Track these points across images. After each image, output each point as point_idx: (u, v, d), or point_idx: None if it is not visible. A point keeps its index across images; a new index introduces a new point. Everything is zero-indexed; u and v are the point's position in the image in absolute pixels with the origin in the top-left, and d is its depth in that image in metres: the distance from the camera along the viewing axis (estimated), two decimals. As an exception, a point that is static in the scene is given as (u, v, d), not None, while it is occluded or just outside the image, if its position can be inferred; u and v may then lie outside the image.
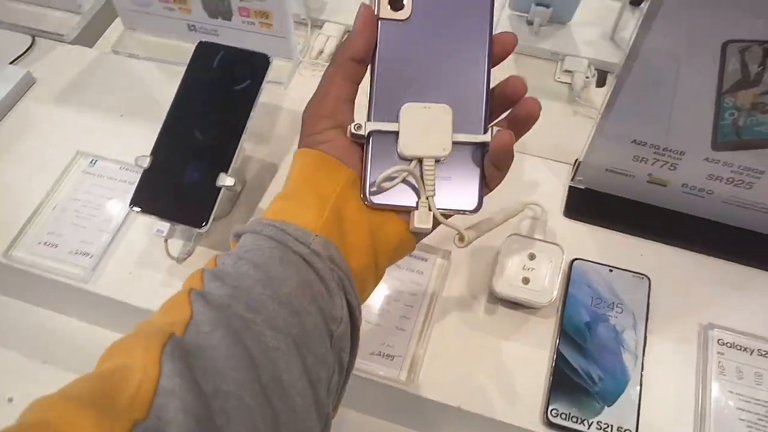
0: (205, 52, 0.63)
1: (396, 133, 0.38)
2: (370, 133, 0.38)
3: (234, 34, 0.75)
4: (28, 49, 0.79)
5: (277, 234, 0.36)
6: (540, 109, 0.38)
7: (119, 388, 0.28)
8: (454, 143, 0.38)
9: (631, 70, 0.53)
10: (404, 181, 0.38)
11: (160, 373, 0.28)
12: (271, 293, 0.34)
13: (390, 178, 0.37)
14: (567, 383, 0.54)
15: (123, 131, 0.71)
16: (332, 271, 0.36)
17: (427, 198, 0.38)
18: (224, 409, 0.29)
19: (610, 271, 0.60)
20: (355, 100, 0.39)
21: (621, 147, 0.60)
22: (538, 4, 0.76)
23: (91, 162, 0.68)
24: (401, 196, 0.38)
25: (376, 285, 0.40)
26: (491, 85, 0.38)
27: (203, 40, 0.64)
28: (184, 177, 0.59)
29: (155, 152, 0.60)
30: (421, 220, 0.38)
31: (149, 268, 0.61)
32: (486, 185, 0.39)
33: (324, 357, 0.35)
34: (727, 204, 0.61)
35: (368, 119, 0.38)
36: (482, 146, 0.38)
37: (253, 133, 0.69)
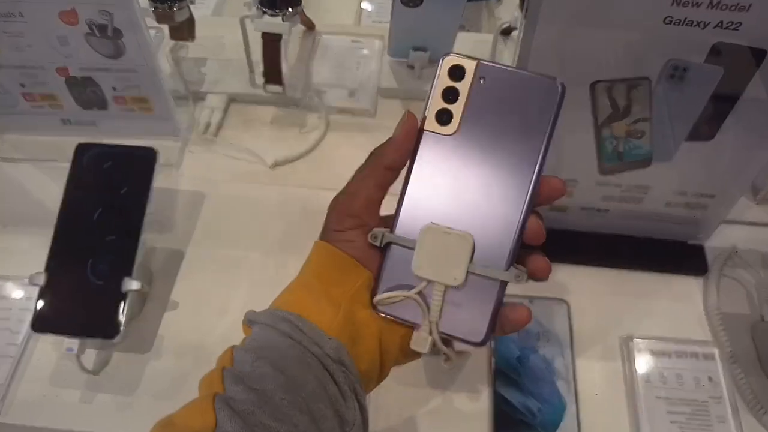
0: (85, 153, 0.60)
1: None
2: (387, 244, 0.38)
3: (114, 124, 0.73)
4: None
5: (293, 332, 0.37)
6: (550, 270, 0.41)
7: None
8: (471, 274, 0.37)
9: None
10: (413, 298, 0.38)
11: None
12: (291, 399, 0.35)
13: (395, 295, 0.37)
14: (509, 422, 0.56)
15: (9, 244, 0.66)
16: (344, 374, 0.37)
17: (429, 322, 0.37)
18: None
19: (530, 301, 0.62)
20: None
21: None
22: (415, 49, 0.79)
23: (-22, 283, 0.63)
24: (407, 311, 0.38)
25: (378, 384, 0.41)
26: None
27: (80, 137, 0.62)
28: (85, 288, 0.55)
29: (49, 267, 0.56)
30: (417, 343, 0.38)
31: (64, 386, 0.57)
32: (501, 327, 0.39)
33: None
34: (624, 219, 0.65)
35: (391, 230, 0.38)
36: (503, 282, 0.37)
37: (153, 222, 0.67)
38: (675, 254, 0.66)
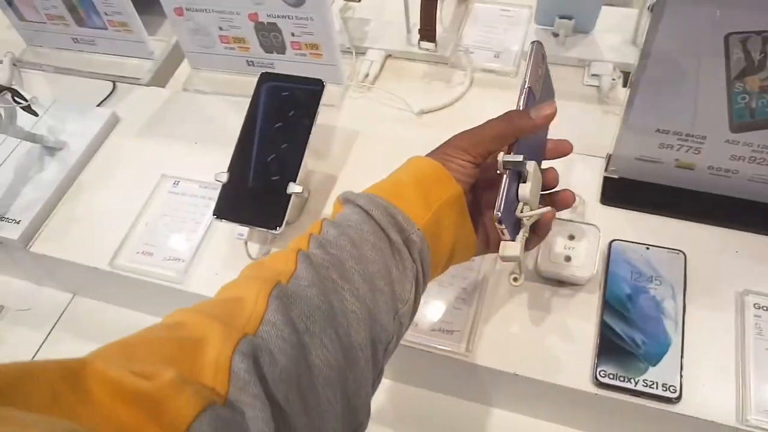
0: (267, 80, 0.72)
1: (520, 177, 0.48)
2: (507, 171, 0.47)
3: (288, 66, 0.85)
4: (110, 93, 0.90)
5: (382, 219, 0.45)
6: (574, 199, 0.52)
7: (236, 313, 0.37)
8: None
9: (645, 67, 0.59)
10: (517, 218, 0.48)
11: (266, 308, 0.37)
12: (359, 269, 0.42)
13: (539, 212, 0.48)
14: (613, 348, 0.60)
15: (198, 156, 0.80)
16: (414, 263, 0.45)
17: (523, 236, 0.48)
18: (310, 344, 0.38)
19: (647, 249, 0.66)
20: None
21: (646, 137, 0.66)
22: (561, 17, 0.84)
23: (174, 183, 0.77)
24: (514, 228, 0.48)
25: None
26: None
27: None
28: (257, 188, 0.67)
29: (231, 168, 0.68)
30: (510, 249, 0.48)
31: (232, 268, 0.69)
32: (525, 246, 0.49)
33: (387, 326, 0.43)
34: (752, 182, 0.66)
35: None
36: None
37: (314, 150, 0.78)
38: (807, 224, 0.66)
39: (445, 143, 0.51)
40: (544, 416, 0.66)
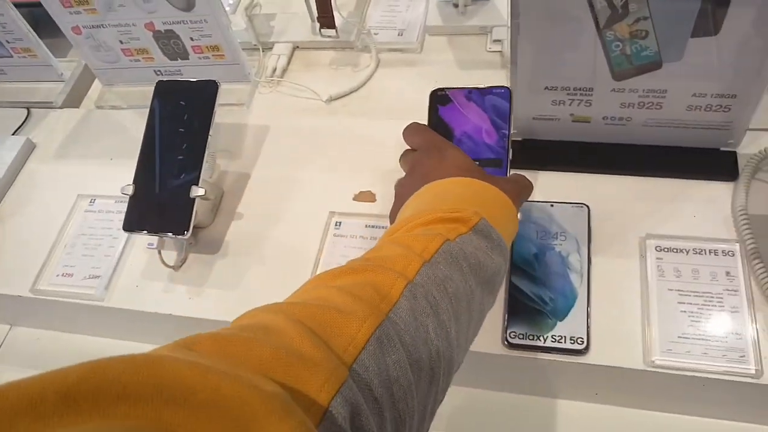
0: (162, 88, 0.72)
1: None
2: None
3: (194, 70, 0.85)
4: (25, 119, 0.90)
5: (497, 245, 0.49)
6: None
7: (335, 331, 0.35)
8: None
9: (518, 27, 0.60)
10: None
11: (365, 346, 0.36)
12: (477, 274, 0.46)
13: None
14: (521, 308, 0.61)
15: (114, 172, 0.81)
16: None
17: None
18: (453, 302, 0.43)
19: (551, 206, 0.66)
20: None
21: (537, 95, 0.66)
22: (459, -12, 0.84)
23: (90, 202, 0.77)
24: None
25: None
26: None
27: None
28: (162, 196, 0.67)
29: (136, 180, 0.69)
30: None
31: (152, 278, 0.70)
32: None
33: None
34: (647, 126, 0.67)
35: None
36: None
37: (225, 150, 0.78)
38: (705, 161, 0.67)
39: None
40: (457, 381, 0.67)
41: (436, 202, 0.50)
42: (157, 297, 0.69)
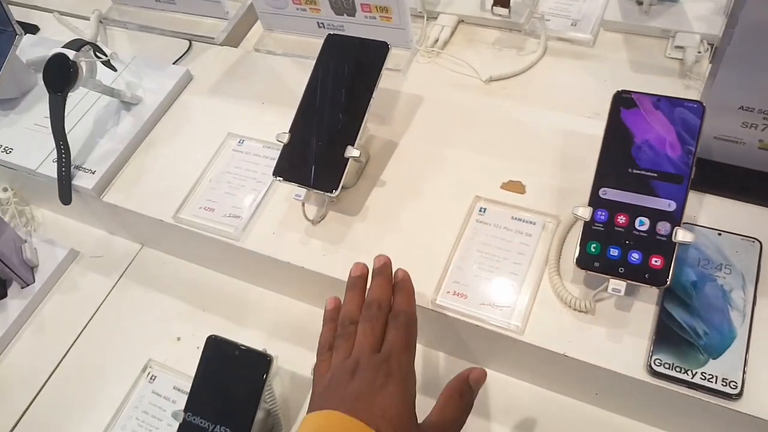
0: (333, 42, 0.72)
1: None
2: None
3: (358, 29, 0.84)
4: (186, 51, 0.93)
5: None
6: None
7: None
8: None
9: (731, 37, 0.55)
10: None
11: None
12: None
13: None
14: (671, 336, 0.57)
15: (264, 116, 0.82)
16: None
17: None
18: None
19: (719, 234, 0.61)
20: None
21: (728, 114, 0.61)
22: (647, -17, 0.78)
23: (239, 142, 0.79)
24: None
25: None
26: None
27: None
28: (317, 150, 0.67)
29: (293, 130, 0.69)
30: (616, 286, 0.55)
31: (289, 228, 0.71)
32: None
33: None
34: None
35: None
36: None
37: (376, 115, 0.77)
38: None
39: None
40: (594, 402, 0.64)
41: None
42: (292, 247, 0.69)
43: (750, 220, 0.62)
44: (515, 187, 0.69)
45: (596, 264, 0.56)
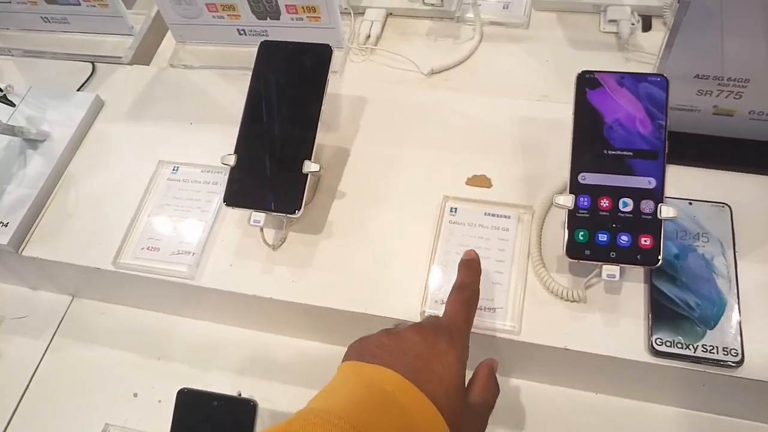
0: (268, 49, 0.66)
1: None
2: None
3: (284, 32, 0.78)
4: (90, 75, 0.83)
5: None
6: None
7: None
8: None
9: (687, 7, 0.54)
10: None
11: None
12: None
13: None
14: (666, 313, 0.56)
15: (196, 137, 0.74)
16: None
17: None
18: None
19: (690, 204, 0.62)
20: None
21: (683, 84, 0.61)
22: (572, -40, 0.78)
23: (173, 170, 0.71)
24: None
25: None
26: None
27: (255, 42, 0.66)
28: (271, 169, 0.62)
29: (239, 150, 0.63)
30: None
31: (248, 257, 0.65)
32: None
33: None
34: (798, 125, 0.62)
35: None
36: None
37: (321, 122, 0.72)
38: None
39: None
40: (599, 390, 0.63)
41: (376, 415, 0.40)
42: (255, 278, 0.63)
43: (715, 186, 0.63)
44: (481, 181, 0.66)
45: (587, 252, 0.55)
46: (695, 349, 0.54)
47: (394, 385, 0.41)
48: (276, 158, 0.62)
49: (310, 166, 0.60)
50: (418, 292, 0.60)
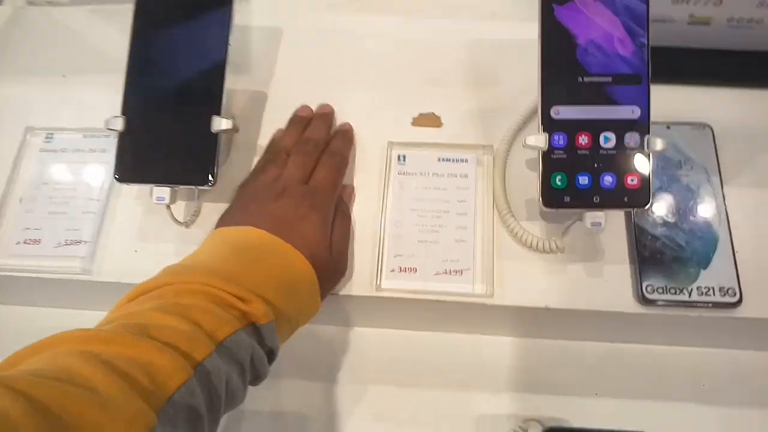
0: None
1: None
2: None
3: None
4: (-77, 21, 0.65)
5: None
6: None
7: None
8: None
9: None
10: None
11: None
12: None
13: None
14: (654, 256, 0.49)
15: (71, 94, 0.60)
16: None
17: None
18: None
19: (668, 128, 0.54)
20: None
21: (658, -12, 0.52)
22: None
23: (46, 138, 0.57)
24: None
25: None
26: None
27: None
28: (170, 131, 0.49)
29: (126, 111, 0.49)
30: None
31: (155, 239, 0.53)
32: None
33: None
34: (779, 29, 0.55)
35: None
36: None
37: (228, 65, 0.59)
38: None
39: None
40: (586, 338, 0.56)
41: (242, 266, 0.43)
42: (167, 263, 0.51)
43: (694, 104, 0.56)
44: (429, 120, 0.56)
45: (567, 198, 0.46)
46: (690, 293, 0.48)
47: (259, 237, 0.44)
48: (177, 117, 0.49)
49: (220, 123, 0.48)
50: (372, 261, 0.50)
